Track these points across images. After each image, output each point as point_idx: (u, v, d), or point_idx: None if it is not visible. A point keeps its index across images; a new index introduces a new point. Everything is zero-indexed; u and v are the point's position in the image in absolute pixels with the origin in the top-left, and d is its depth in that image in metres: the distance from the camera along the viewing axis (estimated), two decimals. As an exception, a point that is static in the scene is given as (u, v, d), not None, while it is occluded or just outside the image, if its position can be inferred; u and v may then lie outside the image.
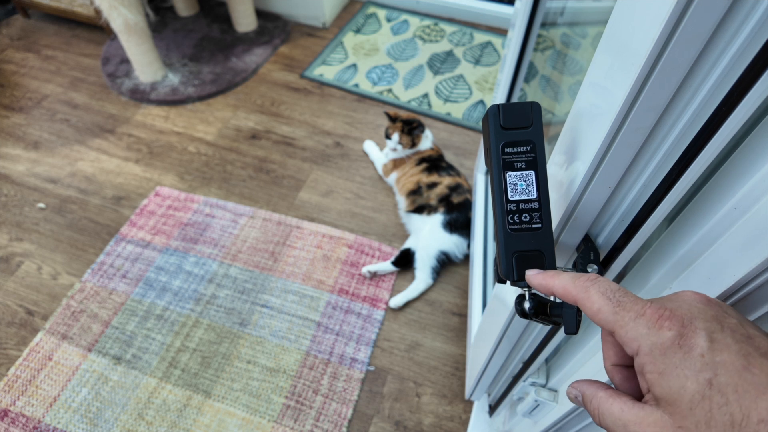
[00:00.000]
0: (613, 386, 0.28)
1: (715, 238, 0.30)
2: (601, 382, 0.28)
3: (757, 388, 0.21)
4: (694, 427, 0.22)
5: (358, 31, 2.17)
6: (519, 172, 0.33)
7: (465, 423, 1.08)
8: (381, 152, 1.60)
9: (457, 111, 1.80)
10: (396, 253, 1.36)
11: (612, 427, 0.25)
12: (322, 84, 1.89)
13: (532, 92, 1.15)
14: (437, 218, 1.33)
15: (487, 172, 1.39)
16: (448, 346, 1.20)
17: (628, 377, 0.28)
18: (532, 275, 0.32)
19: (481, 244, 1.24)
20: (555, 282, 0.30)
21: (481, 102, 1.85)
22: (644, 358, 0.24)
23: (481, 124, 0.85)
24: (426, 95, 1.87)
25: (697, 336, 0.23)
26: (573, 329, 0.33)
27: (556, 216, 0.41)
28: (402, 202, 1.43)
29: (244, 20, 2.06)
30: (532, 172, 0.33)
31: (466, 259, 1.35)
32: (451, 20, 2.25)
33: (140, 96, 1.79)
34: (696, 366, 0.22)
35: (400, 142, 1.44)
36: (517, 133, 0.33)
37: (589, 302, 0.27)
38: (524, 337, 0.71)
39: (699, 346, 0.23)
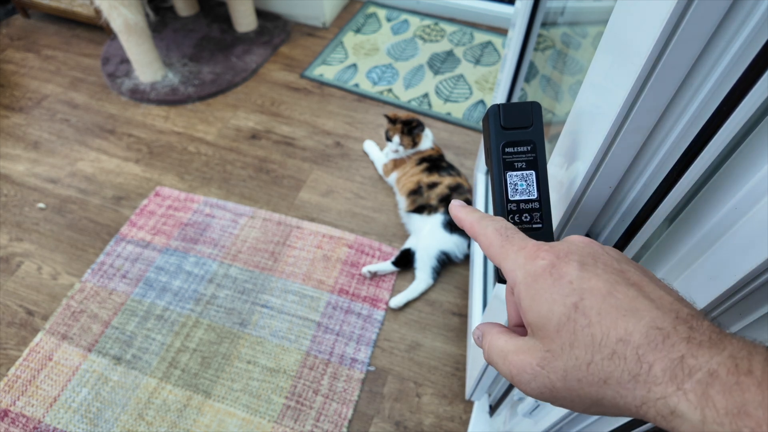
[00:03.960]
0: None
1: (716, 239, 0.30)
2: (501, 324, 0.29)
3: (618, 311, 0.21)
4: (559, 348, 0.22)
5: (358, 30, 2.17)
6: (519, 172, 0.33)
7: (465, 423, 1.08)
8: (381, 152, 1.60)
9: (458, 111, 1.80)
10: (396, 253, 1.36)
11: (496, 358, 0.26)
12: (322, 84, 1.89)
13: (532, 92, 1.15)
14: (437, 218, 1.33)
15: (487, 172, 1.39)
16: (448, 346, 1.20)
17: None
18: (456, 205, 0.33)
19: (482, 244, 1.23)
20: (467, 217, 0.31)
21: (482, 102, 1.85)
22: (519, 287, 0.25)
23: (481, 123, 0.85)
24: (426, 95, 1.87)
25: (569, 266, 0.24)
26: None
27: (556, 216, 0.41)
28: (402, 201, 1.43)
29: (244, 20, 2.06)
30: (533, 172, 0.33)
31: (467, 259, 1.34)
32: (451, 20, 2.25)
33: (140, 96, 1.79)
34: (564, 291, 0.23)
35: (401, 144, 1.44)
36: (518, 132, 0.33)
37: (484, 237, 0.28)
38: (524, 337, 0.71)
39: (569, 274, 0.23)
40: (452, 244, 1.30)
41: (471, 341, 1.11)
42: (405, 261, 1.32)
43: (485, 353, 0.27)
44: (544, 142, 0.33)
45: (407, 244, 1.36)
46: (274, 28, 2.11)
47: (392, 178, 1.51)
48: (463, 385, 1.13)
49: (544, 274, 0.24)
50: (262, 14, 2.16)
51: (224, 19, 2.13)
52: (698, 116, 0.28)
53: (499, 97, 1.21)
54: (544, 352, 0.23)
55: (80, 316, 1.21)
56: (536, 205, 0.33)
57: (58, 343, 1.17)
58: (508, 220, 0.34)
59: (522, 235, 0.27)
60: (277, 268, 1.33)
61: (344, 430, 1.06)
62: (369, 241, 1.40)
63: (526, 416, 0.73)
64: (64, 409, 1.07)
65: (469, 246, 1.33)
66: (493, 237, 0.28)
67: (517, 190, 0.33)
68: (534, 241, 0.26)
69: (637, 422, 0.46)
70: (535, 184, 0.33)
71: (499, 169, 0.33)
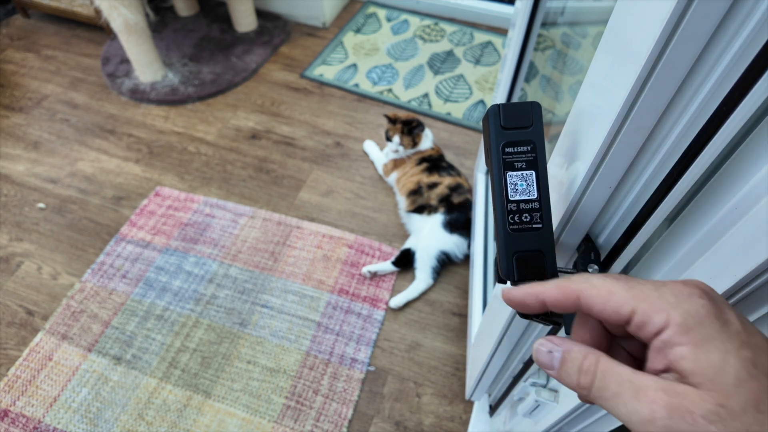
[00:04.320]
0: None
1: (716, 239, 0.30)
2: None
3: None
4: (740, 408, 0.19)
5: (358, 30, 2.17)
6: (519, 172, 0.33)
7: (465, 423, 1.08)
8: (381, 152, 1.60)
9: (458, 111, 1.80)
10: (396, 253, 1.36)
11: (620, 389, 0.22)
12: (322, 84, 1.89)
13: (532, 92, 1.15)
14: (437, 218, 1.32)
15: (487, 172, 1.39)
16: (448, 346, 1.20)
17: None
18: (508, 291, 0.28)
19: (482, 244, 1.24)
20: (544, 287, 0.26)
21: (482, 102, 1.85)
22: (675, 329, 0.21)
23: (481, 123, 0.85)
24: (426, 95, 1.87)
25: (730, 313, 0.21)
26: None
27: (556, 216, 0.41)
28: (402, 201, 1.43)
29: (244, 20, 2.06)
30: (533, 172, 0.33)
31: (467, 259, 1.34)
32: (451, 20, 2.25)
33: (140, 96, 1.79)
34: (735, 342, 0.20)
35: (401, 144, 1.44)
36: (518, 132, 0.33)
37: (595, 290, 0.24)
38: (525, 338, 0.71)
39: (733, 322, 0.21)
40: (452, 244, 1.30)
41: (471, 341, 1.11)
42: (405, 261, 1.32)
43: (587, 377, 0.23)
44: (544, 142, 0.33)
45: (407, 244, 1.36)
46: (274, 28, 2.11)
47: (392, 178, 1.51)
48: (463, 385, 1.13)
49: (710, 317, 0.21)
50: (262, 14, 2.16)
51: (224, 19, 2.13)
52: (698, 116, 0.28)
53: (499, 97, 1.21)
54: (716, 406, 0.20)
55: (80, 316, 1.21)
56: (536, 205, 0.33)
57: (58, 343, 1.17)
58: (508, 220, 0.34)
59: (635, 278, 0.24)
60: (277, 268, 1.33)
61: (344, 430, 1.06)
62: (369, 241, 1.40)
63: (526, 416, 0.73)
64: (64, 409, 1.07)
65: (469, 246, 1.33)
66: (609, 285, 0.24)
67: (517, 190, 0.33)
68: (663, 280, 0.24)
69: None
70: (535, 184, 0.33)
71: (499, 169, 0.33)
